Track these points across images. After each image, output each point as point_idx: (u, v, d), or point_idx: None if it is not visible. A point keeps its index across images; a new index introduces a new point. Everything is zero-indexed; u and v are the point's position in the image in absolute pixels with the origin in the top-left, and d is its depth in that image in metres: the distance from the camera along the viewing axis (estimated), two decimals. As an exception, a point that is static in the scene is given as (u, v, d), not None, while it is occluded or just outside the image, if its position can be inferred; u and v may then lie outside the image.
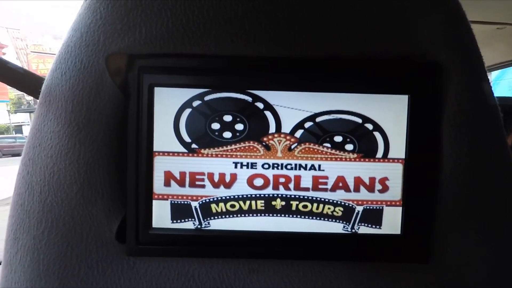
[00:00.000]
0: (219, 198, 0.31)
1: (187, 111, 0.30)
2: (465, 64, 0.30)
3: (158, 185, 0.31)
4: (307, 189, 0.31)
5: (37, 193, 0.31)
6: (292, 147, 0.31)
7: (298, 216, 0.31)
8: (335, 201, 0.31)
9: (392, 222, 0.32)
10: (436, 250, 0.32)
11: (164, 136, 0.30)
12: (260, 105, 0.30)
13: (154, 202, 0.31)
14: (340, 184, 0.31)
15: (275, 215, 0.31)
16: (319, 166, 0.31)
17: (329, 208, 0.31)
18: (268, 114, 0.30)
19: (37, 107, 0.31)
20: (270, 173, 0.31)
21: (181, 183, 0.31)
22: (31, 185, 0.31)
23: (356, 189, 0.31)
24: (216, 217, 0.31)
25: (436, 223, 0.31)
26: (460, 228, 0.31)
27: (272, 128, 0.30)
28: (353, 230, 0.32)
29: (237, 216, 0.31)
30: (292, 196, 0.31)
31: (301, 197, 0.31)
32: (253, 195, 0.31)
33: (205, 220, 0.31)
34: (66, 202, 0.30)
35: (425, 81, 0.30)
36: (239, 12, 0.29)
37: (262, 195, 0.31)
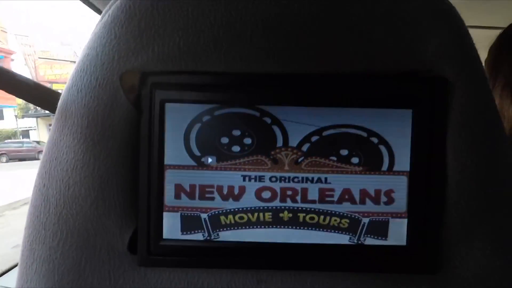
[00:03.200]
0: (228, 210, 0.32)
1: (197, 125, 0.31)
2: (469, 78, 0.30)
3: (169, 197, 0.32)
4: (314, 202, 0.32)
5: (53, 205, 0.32)
6: (299, 160, 0.31)
7: (305, 228, 0.32)
8: (341, 213, 0.32)
9: (398, 233, 0.32)
10: (443, 261, 0.32)
11: (174, 150, 0.31)
12: (268, 120, 0.31)
13: (165, 214, 0.32)
14: (346, 197, 0.32)
15: (282, 226, 0.32)
16: (326, 179, 0.32)
17: (335, 220, 0.32)
18: (275, 128, 0.31)
19: (53, 122, 0.32)
20: (277, 186, 0.32)
21: (191, 196, 0.32)
22: (47, 198, 0.32)
23: (362, 201, 0.32)
24: (225, 229, 0.32)
25: (443, 234, 0.32)
26: (467, 239, 0.32)
27: (280, 142, 0.31)
28: (359, 242, 0.32)
29: (245, 228, 0.32)
30: (299, 208, 0.32)
31: (308, 209, 0.32)
32: (261, 207, 0.32)
33: (214, 231, 0.32)
34: (81, 214, 0.31)
35: (428, 95, 0.31)
36: (248, 31, 0.30)
37: (270, 207, 0.32)
